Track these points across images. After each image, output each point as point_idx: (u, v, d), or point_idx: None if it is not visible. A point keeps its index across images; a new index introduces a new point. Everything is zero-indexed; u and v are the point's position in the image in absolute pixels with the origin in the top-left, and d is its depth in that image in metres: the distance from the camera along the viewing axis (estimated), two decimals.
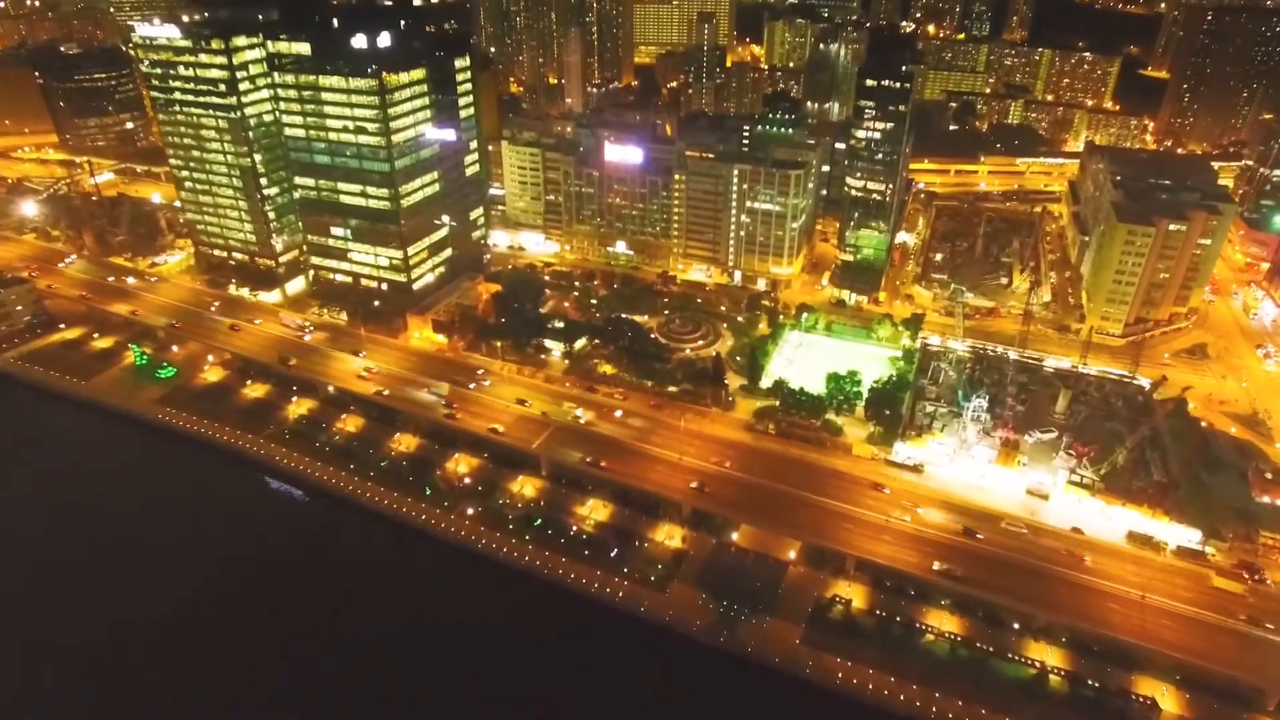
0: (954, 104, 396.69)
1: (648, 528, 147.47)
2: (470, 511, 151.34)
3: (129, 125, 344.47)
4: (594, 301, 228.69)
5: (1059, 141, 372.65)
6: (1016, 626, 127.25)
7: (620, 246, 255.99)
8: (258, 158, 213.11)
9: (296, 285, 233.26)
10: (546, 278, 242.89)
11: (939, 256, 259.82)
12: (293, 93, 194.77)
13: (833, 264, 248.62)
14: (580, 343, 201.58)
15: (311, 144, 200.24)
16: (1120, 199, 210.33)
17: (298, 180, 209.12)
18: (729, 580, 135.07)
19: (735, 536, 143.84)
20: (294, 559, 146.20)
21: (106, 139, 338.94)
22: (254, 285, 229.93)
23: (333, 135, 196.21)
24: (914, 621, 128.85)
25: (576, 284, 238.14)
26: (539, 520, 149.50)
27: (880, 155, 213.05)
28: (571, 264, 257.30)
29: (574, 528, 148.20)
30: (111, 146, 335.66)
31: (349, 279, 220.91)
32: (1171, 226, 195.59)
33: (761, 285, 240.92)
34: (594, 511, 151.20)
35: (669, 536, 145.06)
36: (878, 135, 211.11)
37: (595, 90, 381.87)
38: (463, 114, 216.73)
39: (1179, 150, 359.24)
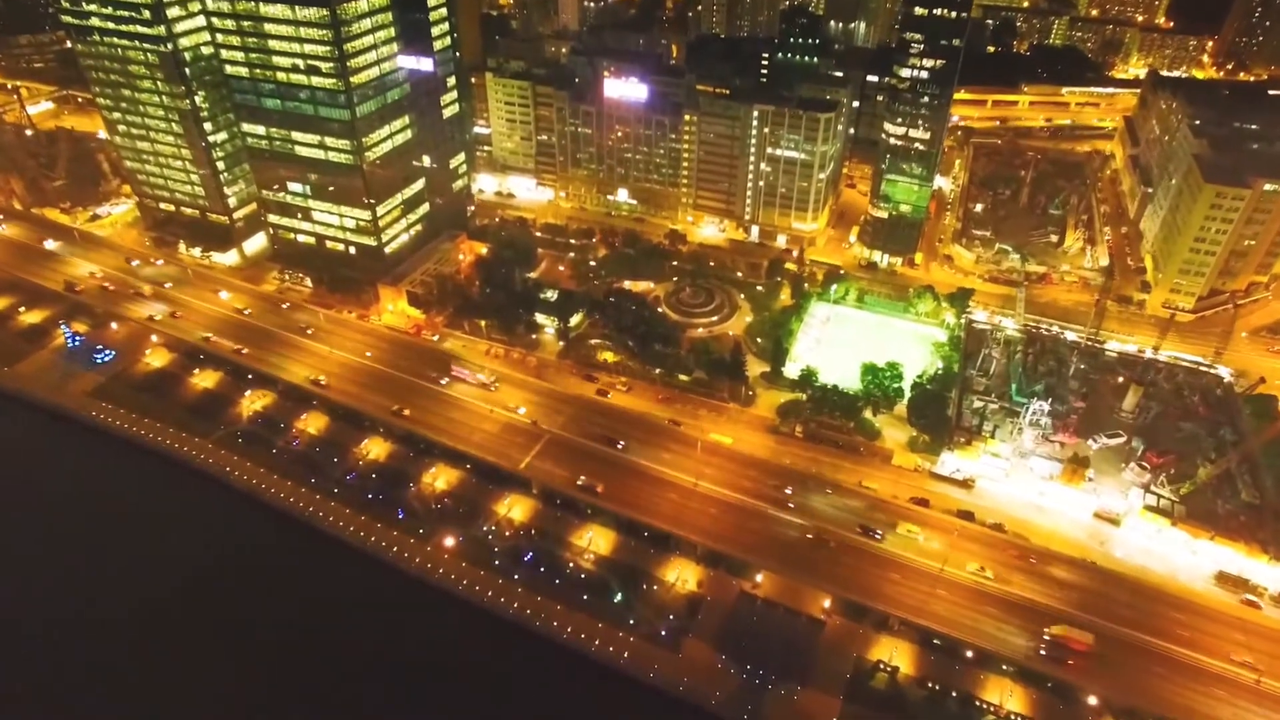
0: (990, 22, 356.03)
1: (657, 564, 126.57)
2: (449, 541, 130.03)
3: (70, 43, 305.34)
4: (593, 263, 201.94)
5: (1107, 65, 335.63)
6: (1093, 702, 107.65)
7: (622, 195, 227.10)
8: (199, 98, 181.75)
9: (257, 242, 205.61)
10: (539, 233, 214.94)
11: (979, 208, 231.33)
12: (230, 23, 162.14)
13: (861, 215, 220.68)
14: (576, 319, 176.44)
15: (257, 85, 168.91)
16: (1204, 152, 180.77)
17: (245, 128, 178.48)
18: (753, 639, 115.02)
19: (760, 578, 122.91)
20: (241, 592, 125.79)
21: (44, 59, 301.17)
22: (207, 244, 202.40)
23: (281, 75, 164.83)
24: (971, 695, 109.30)
25: (573, 241, 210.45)
26: (530, 554, 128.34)
27: (926, 98, 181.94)
28: (567, 214, 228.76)
29: (570, 563, 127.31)
30: (50, 69, 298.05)
31: (311, 240, 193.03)
32: (1268, 186, 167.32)
33: (782, 242, 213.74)
34: (593, 543, 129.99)
35: (682, 579, 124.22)
36: (925, 75, 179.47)
37: (593, 4, 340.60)
38: (437, 44, 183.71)
39: (1243, 76, 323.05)
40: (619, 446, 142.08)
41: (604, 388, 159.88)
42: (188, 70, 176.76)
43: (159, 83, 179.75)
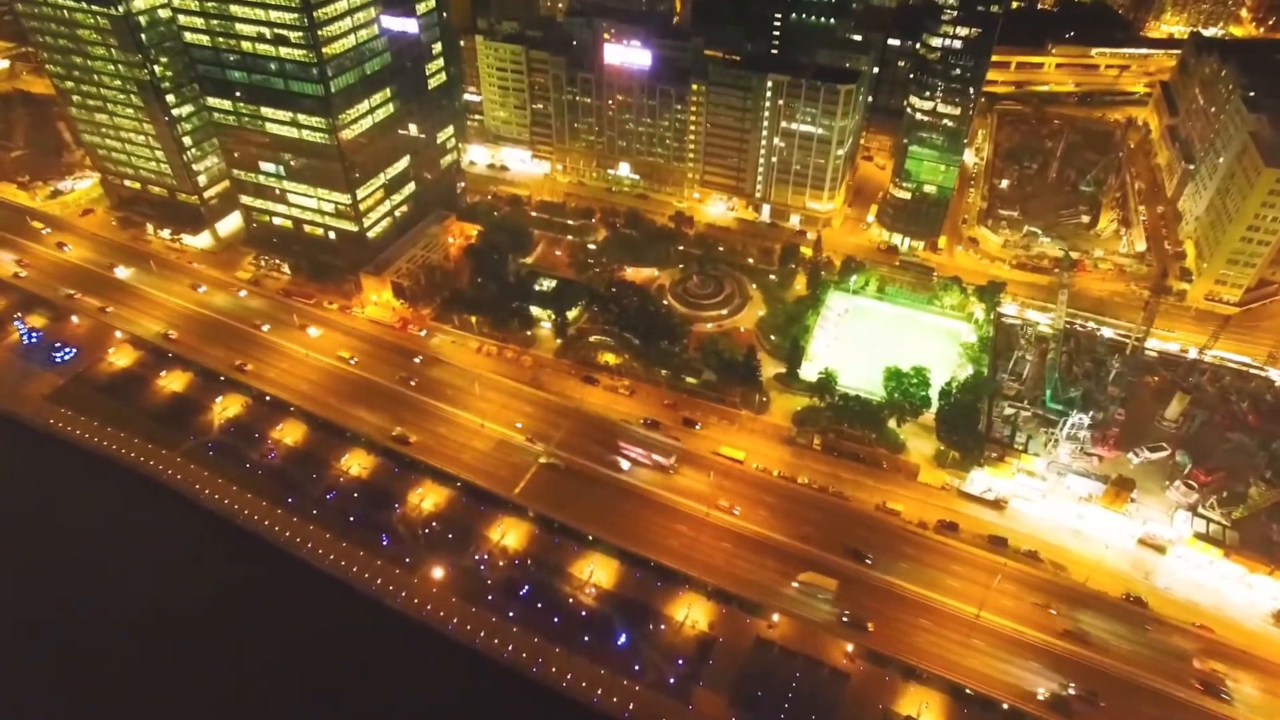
0: None
1: (664, 600, 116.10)
2: (438, 573, 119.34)
3: None
4: (592, 247, 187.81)
5: (1139, 23, 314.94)
6: None
7: (624, 169, 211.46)
8: (158, 68, 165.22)
9: (231, 223, 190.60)
10: (534, 213, 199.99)
11: (1004, 183, 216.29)
12: None
13: (879, 192, 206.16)
14: (574, 312, 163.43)
15: (221, 56, 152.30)
16: (1262, 129, 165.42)
17: (211, 102, 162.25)
18: (770, 689, 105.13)
19: (777, 618, 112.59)
20: (208, 626, 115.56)
21: None
22: (176, 226, 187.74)
23: (246, 45, 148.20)
24: None
25: (570, 222, 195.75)
26: (526, 587, 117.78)
27: (959, 70, 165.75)
28: (565, 190, 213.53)
29: (570, 598, 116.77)
30: (5, 24, 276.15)
31: (289, 224, 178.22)
32: None
33: (795, 222, 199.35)
34: (594, 575, 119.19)
35: (691, 619, 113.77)
36: (958, 44, 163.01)
37: None
38: (421, 7, 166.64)
39: None
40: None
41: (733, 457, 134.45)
42: (144, 36, 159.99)
43: (112, 50, 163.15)
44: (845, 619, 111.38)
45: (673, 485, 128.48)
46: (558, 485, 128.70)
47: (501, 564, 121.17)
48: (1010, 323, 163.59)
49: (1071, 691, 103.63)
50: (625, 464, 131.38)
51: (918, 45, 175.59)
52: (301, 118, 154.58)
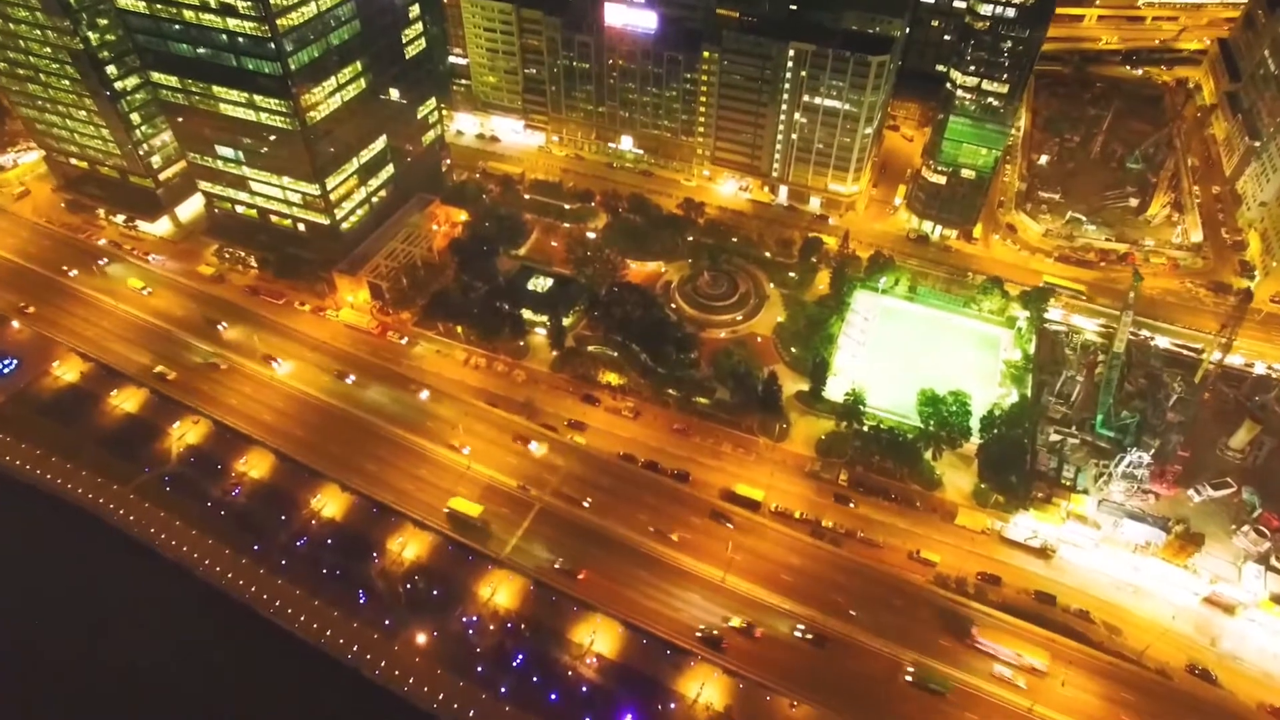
0: None
1: (674, 674, 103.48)
2: (421, 638, 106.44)
3: None
4: (591, 235, 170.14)
5: None
6: None
7: (626, 143, 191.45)
8: (93, 36, 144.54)
9: (193, 206, 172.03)
10: (527, 195, 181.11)
11: (1044, 159, 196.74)
12: None
13: (905, 169, 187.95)
14: (570, 319, 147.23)
15: (160, 26, 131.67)
16: None
17: (155, 78, 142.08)
18: None
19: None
20: (160, 696, 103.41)
21: None
22: (131, 211, 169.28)
23: (189, 15, 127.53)
24: None
25: (567, 207, 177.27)
26: (519, 656, 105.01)
27: (1009, 42, 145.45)
28: (561, 165, 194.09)
29: (569, 669, 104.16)
30: None
31: (253, 213, 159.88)
32: None
33: (815, 205, 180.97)
34: (596, 641, 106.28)
35: (706, 699, 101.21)
36: (1012, 13, 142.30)
37: None
38: None
39: None
40: None
41: None
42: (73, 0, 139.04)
43: (36, 14, 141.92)
44: (558, 566, 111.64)
45: (683, 545, 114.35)
46: (553, 541, 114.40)
47: (492, 628, 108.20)
48: (1054, 328, 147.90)
49: None
50: (1008, 673, 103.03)
51: (960, 5, 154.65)
52: (259, 99, 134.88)
